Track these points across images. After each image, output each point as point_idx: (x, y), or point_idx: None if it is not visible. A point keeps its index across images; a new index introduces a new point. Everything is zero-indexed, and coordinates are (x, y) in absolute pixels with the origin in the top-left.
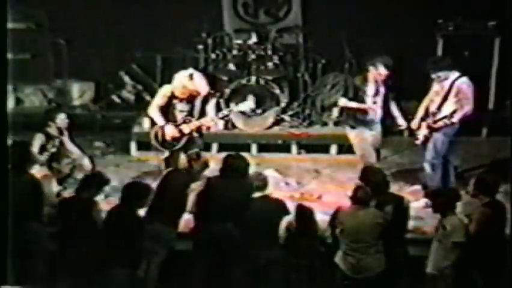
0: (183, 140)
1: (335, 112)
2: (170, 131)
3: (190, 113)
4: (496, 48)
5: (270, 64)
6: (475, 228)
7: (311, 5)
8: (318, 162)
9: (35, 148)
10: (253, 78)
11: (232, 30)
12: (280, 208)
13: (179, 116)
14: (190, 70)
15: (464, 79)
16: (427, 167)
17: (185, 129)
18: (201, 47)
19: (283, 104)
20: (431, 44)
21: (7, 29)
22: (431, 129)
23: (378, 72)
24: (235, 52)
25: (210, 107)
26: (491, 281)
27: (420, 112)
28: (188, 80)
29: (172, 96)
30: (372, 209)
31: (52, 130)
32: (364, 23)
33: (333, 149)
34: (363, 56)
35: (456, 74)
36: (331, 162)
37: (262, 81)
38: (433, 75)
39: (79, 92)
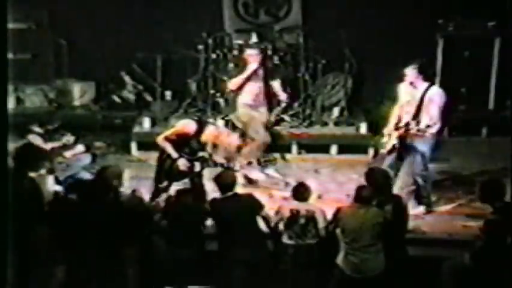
0: (190, 176)
1: (335, 112)
2: (183, 165)
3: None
4: (496, 48)
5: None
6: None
7: (311, 5)
8: (318, 162)
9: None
10: None
11: (232, 30)
12: (253, 203)
13: (188, 151)
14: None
15: (438, 89)
16: (419, 180)
17: (198, 167)
18: (201, 47)
19: (283, 104)
20: (431, 44)
21: (7, 29)
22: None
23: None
24: (235, 52)
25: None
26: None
27: (394, 120)
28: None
29: (192, 136)
30: (374, 209)
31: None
32: (364, 23)
33: (333, 149)
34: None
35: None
36: (331, 162)
37: None
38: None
39: (80, 92)
